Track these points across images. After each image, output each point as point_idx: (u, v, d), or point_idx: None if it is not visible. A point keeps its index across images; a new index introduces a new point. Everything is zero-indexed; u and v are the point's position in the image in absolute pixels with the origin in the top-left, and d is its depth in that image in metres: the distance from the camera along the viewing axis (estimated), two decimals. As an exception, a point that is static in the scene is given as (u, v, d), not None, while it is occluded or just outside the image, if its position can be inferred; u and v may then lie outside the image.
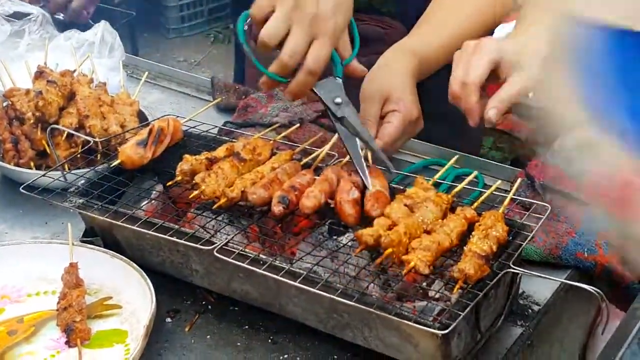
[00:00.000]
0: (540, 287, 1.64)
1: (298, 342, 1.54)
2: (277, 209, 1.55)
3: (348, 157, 1.67)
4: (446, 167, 1.75)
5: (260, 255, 1.48)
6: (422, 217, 1.52)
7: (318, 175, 1.65)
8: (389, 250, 1.43)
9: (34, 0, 2.69)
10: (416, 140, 2.12)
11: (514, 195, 1.62)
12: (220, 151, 1.72)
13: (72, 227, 1.67)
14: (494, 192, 1.64)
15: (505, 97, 1.65)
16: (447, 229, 1.49)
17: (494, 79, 1.69)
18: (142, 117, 2.08)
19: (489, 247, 1.44)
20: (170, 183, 1.68)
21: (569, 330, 1.80)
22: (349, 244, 1.54)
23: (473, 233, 1.48)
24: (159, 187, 1.74)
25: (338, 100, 1.65)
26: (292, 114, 2.10)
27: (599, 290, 1.37)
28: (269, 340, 1.55)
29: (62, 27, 2.52)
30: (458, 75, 1.68)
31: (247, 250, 1.50)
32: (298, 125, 1.96)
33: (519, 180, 1.70)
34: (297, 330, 1.55)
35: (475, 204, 1.58)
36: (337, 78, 1.66)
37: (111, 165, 1.73)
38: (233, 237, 1.53)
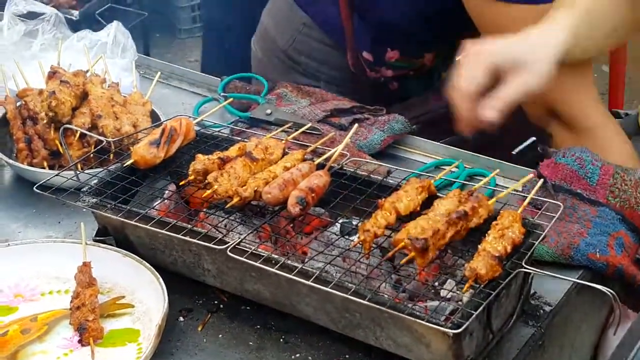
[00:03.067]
0: (552, 287, 1.64)
1: (310, 341, 1.55)
2: (294, 209, 1.55)
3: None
4: (450, 167, 1.75)
5: (273, 255, 1.49)
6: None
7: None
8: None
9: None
10: (427, 140, 2.12)
11: (525, 194, 1.62)
12: (233, 151, 1.72)
13: (85, 227, 1.68)
14: (505, 190, 1.64)
15: (507, 98, 1.61)
16: (440, 211, 1.50)
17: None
18: (154, 117, 2.08)
19: (503, 248, 1.43)
20: (183, 182, 1.68)
21: (581, 330, 1.80)
22: (360, 243, 1.54)
23: (488, 232, 1.48)
24: (172, 187, 1.74)
25: (268, 111, 2.12)
26: (300, 115, 2.11)
27: (611, 291, 1.37)
28: (281, 340, 1.55)
29: (75, 27, 2.53)
30: (455, 82, 1.63)
31: (259, 249, 1.51)
32: (309, 124, 1.97)
33: (540, 181, 1.68)
34: (309, 329, 1.55)
35: (492, 201, 1.57)
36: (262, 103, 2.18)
37: (124, 165, 1.74)
38: (246, 236, 1.54)
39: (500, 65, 1.62)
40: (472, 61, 1.63)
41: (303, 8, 2.39)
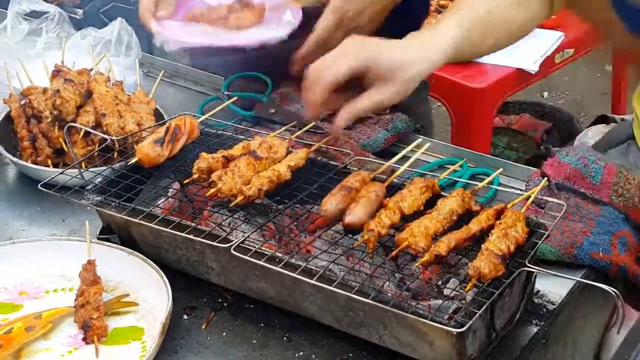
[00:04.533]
0: (555, 286, 1.64)
1: (313, 339, 1.55)
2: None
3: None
4: (452, 169, 1.75)
5: (277, 253, 1.49)
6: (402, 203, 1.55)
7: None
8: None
9: None
10: (431, 139, 2.12)
11: (528, 193, 1.62)
12: (237, 149, 1.73)
13: (90, 225, 1.68)
14: (511, 191, 1.64)
15: (360, 109, 1.65)
16: (444, 211, 1.51)
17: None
18: (158, 116, 2.09)
19: (506, 247, 1.44)
20: (187, 181, 1.69)
21: (584, 329, 1.80)
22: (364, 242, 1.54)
23: (492, 231, 1.48)
24: (176, 185, 1.75)
25: (272, 110, 2.13)
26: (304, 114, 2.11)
27: (615, 290, 1.37)
28: (285, 338, 1.56)
29: (79, 25, 2.53)
30: (320, 64, 1.64)
31: (263, 248, 1.51)
32: (313, 123, 1.97)
33: (543, 180, 1.69)
34: (313, 328, 1.56)
35: (511, 202, 1.57)
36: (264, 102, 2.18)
37: (128, 163, 1.74)
38: (249, 235, 1.54)
39: (371, 70, 1.63)
40: (345, 55, 1.63)
41: None
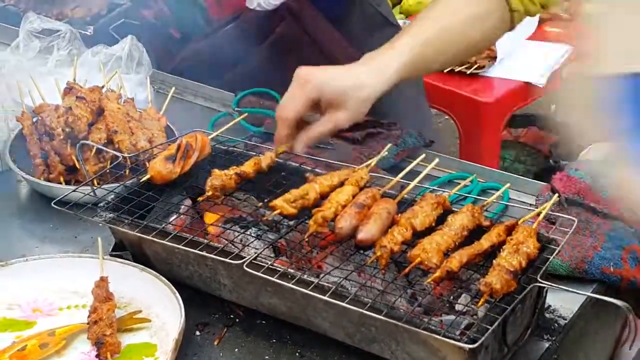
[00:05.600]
0: (566, 301, 1.64)
1: (325, 355, 1.55)
2: None
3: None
4: (462, 184, 1.75)
5: (289, 270, 1.50)
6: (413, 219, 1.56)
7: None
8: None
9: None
10: (440, 154, 2.13)
11: (540, 209, 1.63)
12: (248, 166, 1.74)
13: (102, 241, 1.69)
14: (520, 207, 1.64)
15: (315, 135, 1.77)
16: (454, 226, 1.52)
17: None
18: (169, 133, 2.10)
19: (518, 263, 1.44)
20: (201, 198, 1.69)
21: (595, 344, 1.80)
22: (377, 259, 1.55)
23: (503, 247, 1.48)
24: (188, 202, 1.76)
25: None
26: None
27: (626, 304, 1.37)
28: (297, 354, 1.56)
29: (90, 42, 2.55)
30: (282, 103, 1.78)
31: (275, 264, 1.52)
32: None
33: (555, 197, 1.69)
34: (325, 343, 1.56)
35: (522, 218, 1.58)
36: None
37: (140, 180, 1.75)
38: (262, 251, 1.55)
39: (321, 97, 1.75)
40: (298, 89, 1.76)
41: None
